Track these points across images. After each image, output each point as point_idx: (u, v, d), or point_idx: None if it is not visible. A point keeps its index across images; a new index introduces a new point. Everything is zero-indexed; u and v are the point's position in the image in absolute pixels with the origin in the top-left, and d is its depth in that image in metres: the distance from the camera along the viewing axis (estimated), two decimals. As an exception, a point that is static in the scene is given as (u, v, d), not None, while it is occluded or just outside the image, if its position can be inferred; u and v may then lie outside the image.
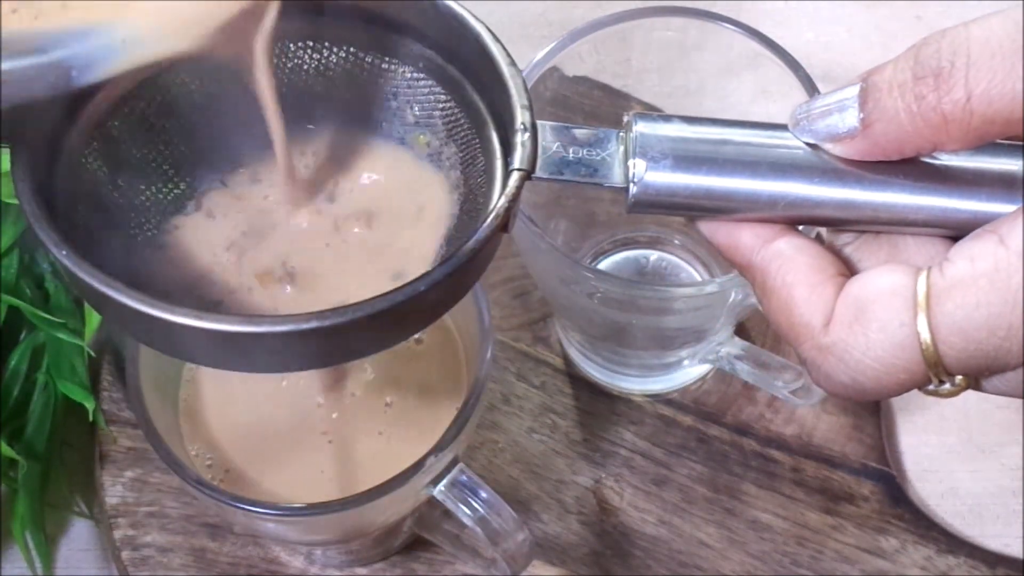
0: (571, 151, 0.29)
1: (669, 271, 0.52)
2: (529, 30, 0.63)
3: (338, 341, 0.27)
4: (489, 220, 0.27)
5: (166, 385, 0.42)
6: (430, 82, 0.32)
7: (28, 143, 0.28)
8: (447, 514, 0.40)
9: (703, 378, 0.52)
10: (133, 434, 0.49)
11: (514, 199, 0.28)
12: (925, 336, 0.26)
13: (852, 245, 0.30)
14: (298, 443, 0.41)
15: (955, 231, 0.28)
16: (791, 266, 0.28)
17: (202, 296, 0.31)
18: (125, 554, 0.47)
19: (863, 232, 0.29)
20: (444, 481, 0.39)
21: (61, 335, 0.47)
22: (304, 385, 0.42)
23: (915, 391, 0.27)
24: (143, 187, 0.31)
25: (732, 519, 0.49)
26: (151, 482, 0.48)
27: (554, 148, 0.29)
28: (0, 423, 0.47)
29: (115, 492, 0.48)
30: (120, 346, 0.50)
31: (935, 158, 0.28)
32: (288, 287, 0.31)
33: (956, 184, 0.27)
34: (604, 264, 0.52)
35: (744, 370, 0.48)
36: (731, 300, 0.42)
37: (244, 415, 0.42)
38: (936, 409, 0.52)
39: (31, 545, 0.47)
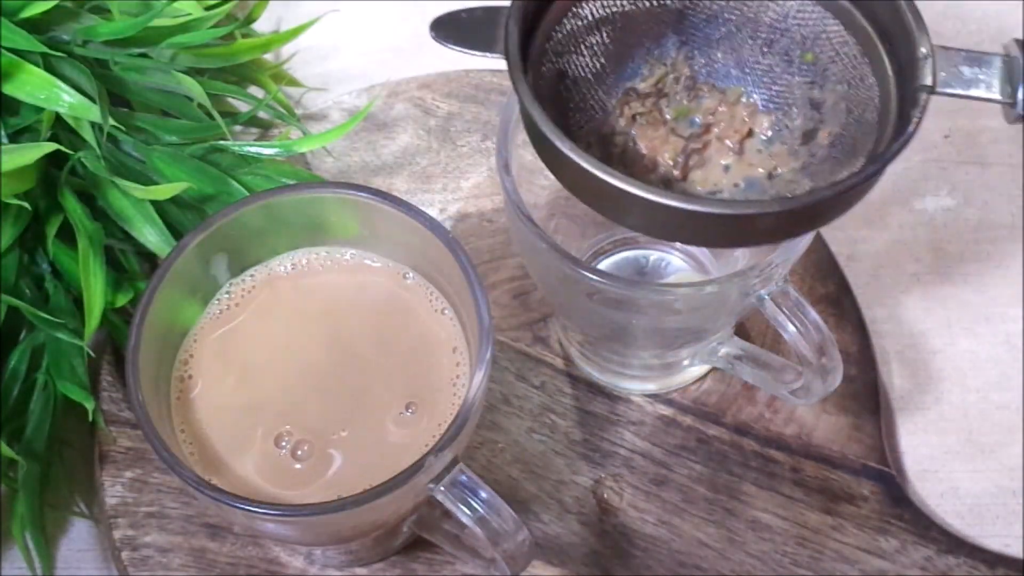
0: (963, 70, 0.36)
1: (669, 271, 0.52)
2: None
3: (751, 227, 0.36)
4: (909, 130, 0.35)
5: (159, 384, 0.41)
6: (818, 8, 0.39)
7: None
8: (447, 514, 0.40)
9: (703, 378, 0.52)
10: (133, 434, 0.49)
11: (923, 112, 0.35)
12: None
13: None
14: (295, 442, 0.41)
15: None
16: None
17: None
18: (125, 554, 0.47)
19: None
20: (444, 481, 0.39)
21: (61, 335, 0.47)
22: (301, 383, 0.42)
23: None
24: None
25: (732, 519, 0.49)
26: (151, 482, 0.48)
27: (948, 68, 0.36)
28: (0, 423, 0.47)
29: (115, 492, 0.48)
30: (120, 346, 0.50)
31: None
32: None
33: None
34: (604, 264, 0.52)
35: (744, 370, 0.48)
36: (731, 300, 0.42)
37: (235, 415, 0.42)
38: (936, 409, 0.53)
39: (31, 545, 0.47)
